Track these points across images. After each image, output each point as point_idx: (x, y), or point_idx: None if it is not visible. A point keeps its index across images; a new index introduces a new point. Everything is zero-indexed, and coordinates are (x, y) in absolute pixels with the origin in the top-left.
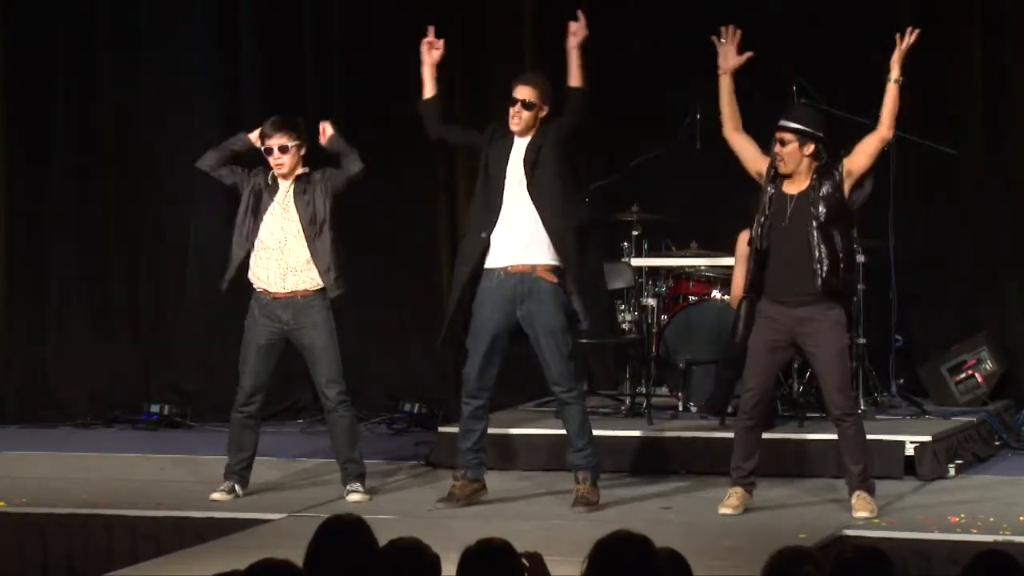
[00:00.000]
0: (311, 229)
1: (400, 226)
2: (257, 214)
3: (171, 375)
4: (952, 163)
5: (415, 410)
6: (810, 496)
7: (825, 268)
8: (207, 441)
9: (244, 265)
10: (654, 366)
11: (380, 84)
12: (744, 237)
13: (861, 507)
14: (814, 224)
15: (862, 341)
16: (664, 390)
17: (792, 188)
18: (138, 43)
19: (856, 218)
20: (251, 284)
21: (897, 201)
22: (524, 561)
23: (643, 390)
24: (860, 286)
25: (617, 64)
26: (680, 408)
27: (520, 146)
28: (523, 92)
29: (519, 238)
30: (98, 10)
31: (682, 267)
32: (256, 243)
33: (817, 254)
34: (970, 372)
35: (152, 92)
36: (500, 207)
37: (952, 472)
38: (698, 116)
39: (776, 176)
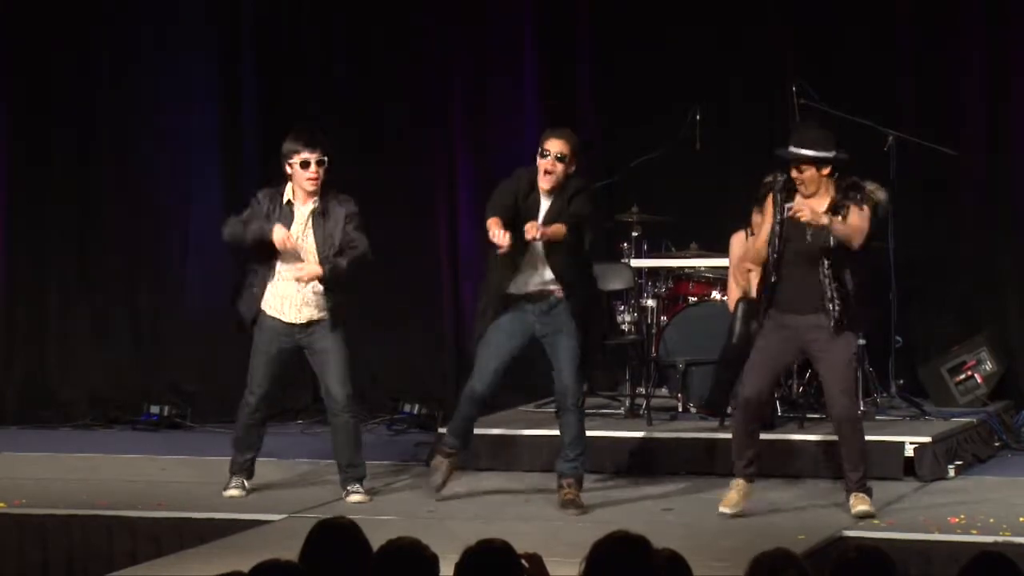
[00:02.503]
0: (324, 258)
1: (401, 227)
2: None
3: (171, 376)
4: (952, 163)
5: (415, 411)
6: (810, 497)
7: (837, 309)
8: (208, 442)
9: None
10: (654, 367)
11: (382, 87)
12: (737, 239)
13: (859, 503)
14: (826, 264)
15: (862, 342)
16: (664, 391)
17: (805, 217)
18: (138, 44)
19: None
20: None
21: (897, 201)
22: (524, 562)
23: (643, 391)
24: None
25: (617, 64)
26: (680, 409)
27: (545, 206)
28: (557, 145)
29: (544, 275)
30: (99, 10)
31: (682, 268)
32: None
33: (829, 293)
34: (970, 373)
35: (152, 92)
36: (523, 261)
37: (952, 473)
38: (698, 116)
39: (787, 199)
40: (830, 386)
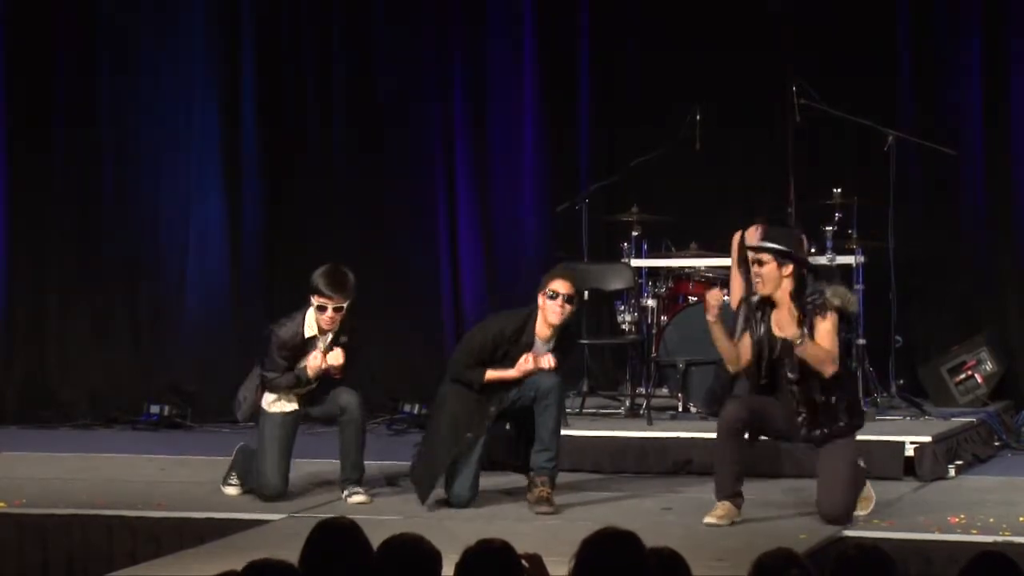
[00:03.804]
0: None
1: (401, 227)
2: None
3: (171, 376)
4: (952, 163)
5: (415, 411)
6: (810, 497)
7: (805, 421)
8: (208, 442)
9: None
10: (654, 367)
11: (382, 87)
12: (739, 238)
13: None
14: (789, 379)
15: (862, 341)
16: (664, 391)
17: (780, 330)
18: (138, 44)
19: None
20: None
21: (897, 201)
22: (524, 562)
23: (643, 391)
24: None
25: (617, 64)
26: (680, 409)
27: (542, 347)
28: (566, 287)
29: None
30: (99, 10)
31: (682, 268)
32: None
33: (795, 405)
34: (970, 373)
35: (152, 92)
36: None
37: (952, 473)
38: (698, 116)
39: (761, 312)
40: (824, 493)
